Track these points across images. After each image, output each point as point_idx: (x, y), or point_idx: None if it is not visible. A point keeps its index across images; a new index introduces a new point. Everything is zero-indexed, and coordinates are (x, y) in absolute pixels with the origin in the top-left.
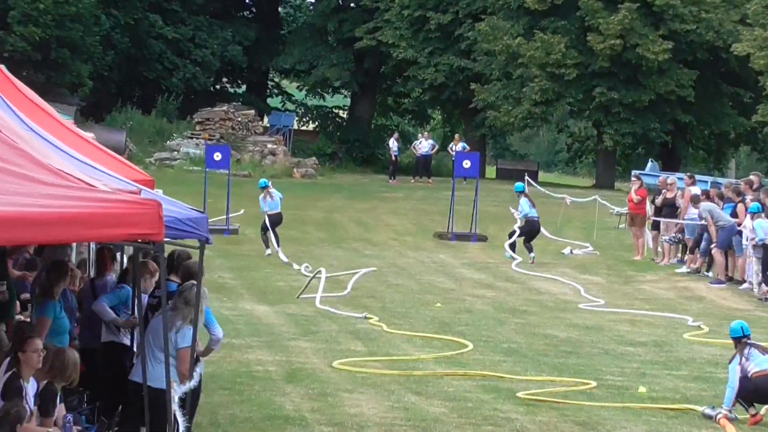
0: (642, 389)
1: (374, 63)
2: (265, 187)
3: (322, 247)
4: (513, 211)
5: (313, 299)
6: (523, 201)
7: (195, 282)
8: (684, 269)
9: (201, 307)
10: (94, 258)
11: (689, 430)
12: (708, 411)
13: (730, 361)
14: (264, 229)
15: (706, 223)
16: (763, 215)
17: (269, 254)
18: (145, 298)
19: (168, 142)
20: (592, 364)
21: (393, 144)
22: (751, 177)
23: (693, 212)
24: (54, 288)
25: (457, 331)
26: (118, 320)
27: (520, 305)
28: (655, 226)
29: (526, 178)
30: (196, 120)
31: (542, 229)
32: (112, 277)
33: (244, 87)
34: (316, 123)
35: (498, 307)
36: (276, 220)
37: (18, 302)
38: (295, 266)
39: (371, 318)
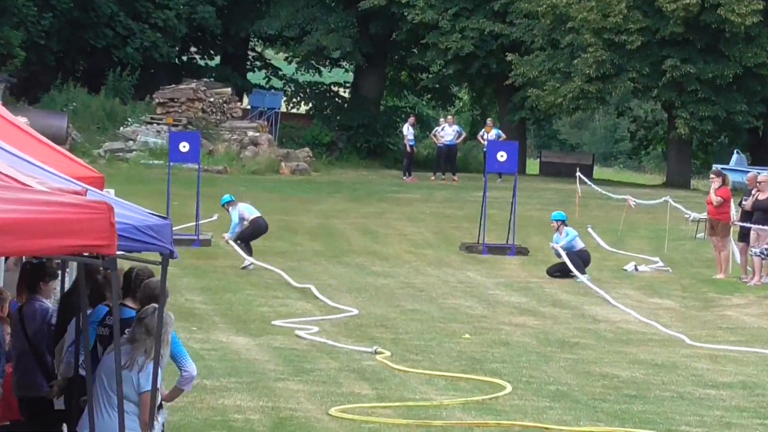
0: None
1: (384, 28)
2: (229, 203)
3: (317, 263)
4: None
5: (306, 329)
6: (573, 231)
7: (157, 306)
8: None
9: (166, 337)
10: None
11: None
12: None
13: None
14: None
15: None
16: None
17: (249, 267)
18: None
19: (121, 128)
20: (662, 412)
21: (408, 131)
22: None
23: None
24: None
25: (491, 370)
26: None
27: (571, 336)
28: (743, 236)
29: (578, 174)
30: (157, 101)
31: (600, 240)
32: (45, 303)
33: (217, 59)
34: (310, 104)
35: (543, 339)
36: (257, 229)
37: None
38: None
39: (382, 353)
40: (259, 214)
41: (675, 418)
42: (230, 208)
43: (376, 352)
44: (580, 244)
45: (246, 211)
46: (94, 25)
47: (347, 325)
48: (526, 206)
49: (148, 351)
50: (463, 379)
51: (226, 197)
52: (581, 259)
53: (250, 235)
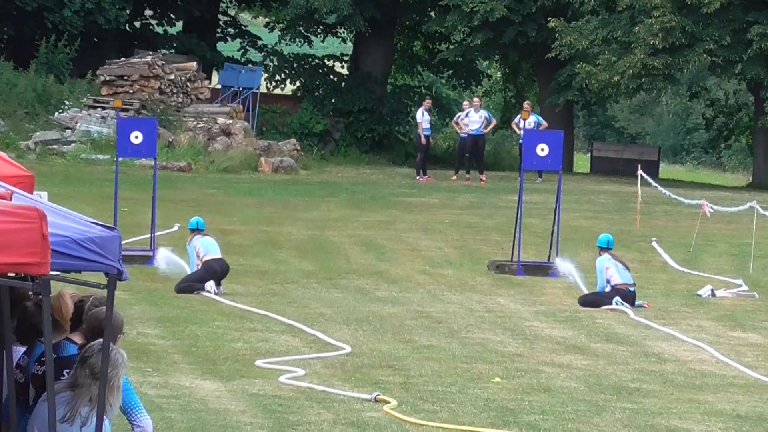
0: None
1: None
2: (196, 231)
3: (307, 286)
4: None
5: (291, 371)
6: (604, 262)
7: (107, 344)
8: None
9: (116, 382)
10: None
11: None
12: None
13: None
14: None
15: None
16: None
17: (212, 292)
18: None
19: (56, 114)
20: None
21: (423, 117)
22: None
23: None
24: None
25: (527, 423)
26: None
27: (630, 380)
28: None
29: (640, 173)
30: (103, 78)
31: (667, 257)
32: None
33: (179, 25)
34: (297, 83)
35: (594, 384)
36: (219, 269)
37: None
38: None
39: (388, 402)
40: (216, 255)
41: None
42: (190, 239)
43: (376, 400)
44: (616, 279)
45: (202, 247)
46: None
47: (344, 366)
48: (574, 214)
49: (94, 399)
50: None
51: (193, 222)
52: (623, 298)
53: (197, 279)
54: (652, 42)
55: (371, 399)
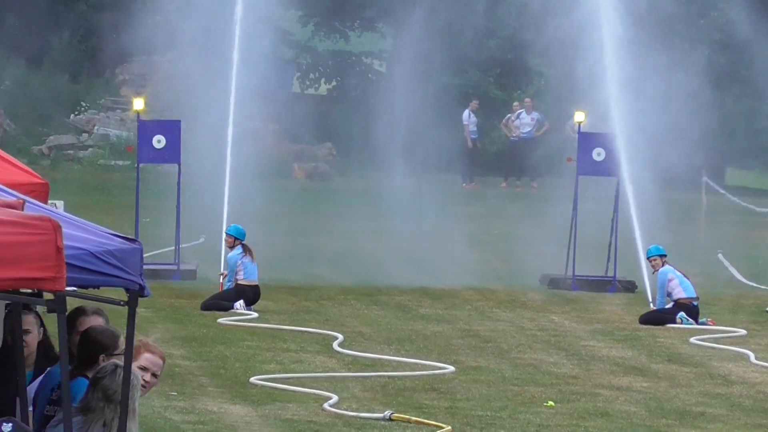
0: None
1: None
2: (237, 239)
3: (344, 303)
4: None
5: (326, 396)
6: (667, 273)
7: (118, 363)
8: None
9: (132, 405)
10: None
11: None
12: None
13: None
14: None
15: None
16: None
17: (242, 307)
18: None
19: (72, 116)
20: None
21: (469, 119)
22: None
23: None
24: None
25: None
26: None
27: (695, 404)
28: None
29: (705, 180)
30: (122, 78)
31: (734, 270)
32: None
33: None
34: (333, 83)
35: (655, 408)
36: (252, 295)
37: None
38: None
39: (407, 420)
40: (254, 282)
41: None
42: (233, 247)
43: (390, 419)
44: (679, 293)
45: (244, 270)
46: None
47: (385, 389)
48: (634, 224)
49: (108, 424)
50: None
51: (234, 228)
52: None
53: (227, 298)
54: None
55: (386, 417)
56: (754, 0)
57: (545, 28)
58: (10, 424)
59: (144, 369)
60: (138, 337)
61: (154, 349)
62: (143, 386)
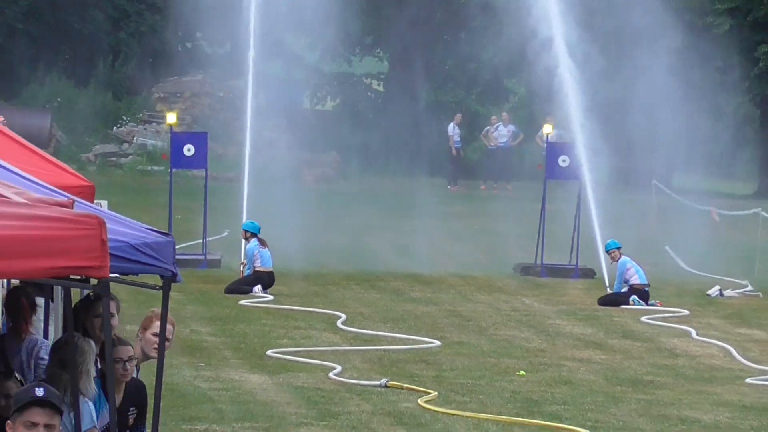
0: None
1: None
2: (254, 234)
3: (347, 287)
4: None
5: (331, 367)
6: (626, 263)
7: (71, 334)
8: None
9: (84, 368)
10: (4, 305)
11: None
12: None
13: None
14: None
15: None
16: None
17: (260, 291)
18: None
19: (114, 128)
20: None
21: (453, 130)
22: None
23: None
24: None
25: (550, 413)
26: None
27: (645, 374)
28: None
29: (654, 182)
30: (157, 95)
31: (679, 260)
32: (37, 338)
33: (228, 45)
34: (338, 100)
35: (611, 377)
36: (268, 280)
37: None
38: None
39: (399, 387)
40: (269, 269)
41: None
42: (249, 240)
43: (386, 386)
44: (635, 279)
45: (260, 258)
46: (81, 6)
47: (381, 361)
48: (593, 220)
49: (67, 389)
50: (517, 424)
51: (250, 225)
52: (639, 297)
53: (247, 283)
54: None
55: (382, 384)
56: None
57: (516, 52)
58: (42, 388)
59: (156, 335)
60: (151, 309)
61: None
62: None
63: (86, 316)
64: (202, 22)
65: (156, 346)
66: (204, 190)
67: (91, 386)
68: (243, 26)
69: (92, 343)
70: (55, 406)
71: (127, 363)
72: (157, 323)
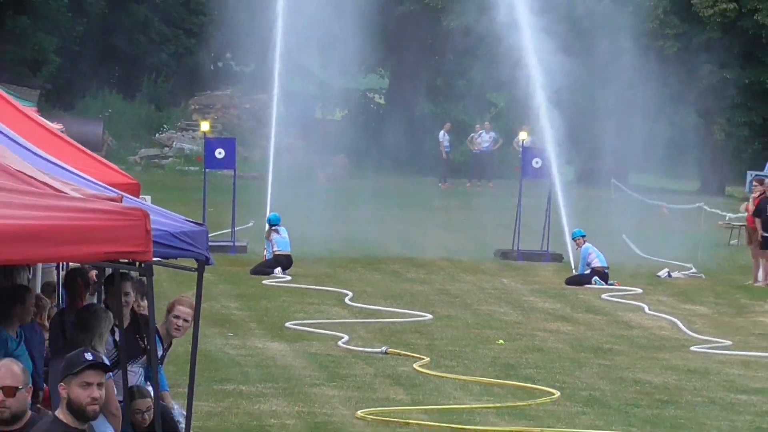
0: None
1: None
2: (272, 226)
3: (353, 270)
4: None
5: (339, 336)
6: (589, 249)
7: (91, 304)
8: None
9: (98, 331)
10: (64, 284)
11: None
12: None
13: None
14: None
15: None
16: None
17: (280, 272)
18: None
19: (157, 135)
20: (694, 417)
21: (443, 137)
22: None
23: None
24: (6, 319)
25: (525, 375)
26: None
27: (605, 343)
28: (766, 244)
29: (613, 181)
30: (193, 107)
31: (634, 247)
32: None
33: (253, 65)
34: (345, 111)
35: (576, 345)
36: (286, 263)
37: None
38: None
39: (397, 354)
40: (287, 252)
41: (706, 423)
42: (267, 233)
43: (386, 352)
44: (596, 263)
45: (277, 244)
46: (128, 31)
47: (383, 332)
48: (561, 213)
49: (89, 346)
50: (497, 385)
51: (272, 217)
52: (600, 278)
53: (268, 266)
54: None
55: (382, 351)
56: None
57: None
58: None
59: (177, 317)
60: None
61: (184, 302)
62: (178, 328)
63: (107, 292)
64: (231, 45)
65: (177, 326)
66: (233, 187)
67: (103, 348)
68: (270, 50)
69: (109, 313)
70: (104, 366)
71: (145, 413)
72: (179, 308)
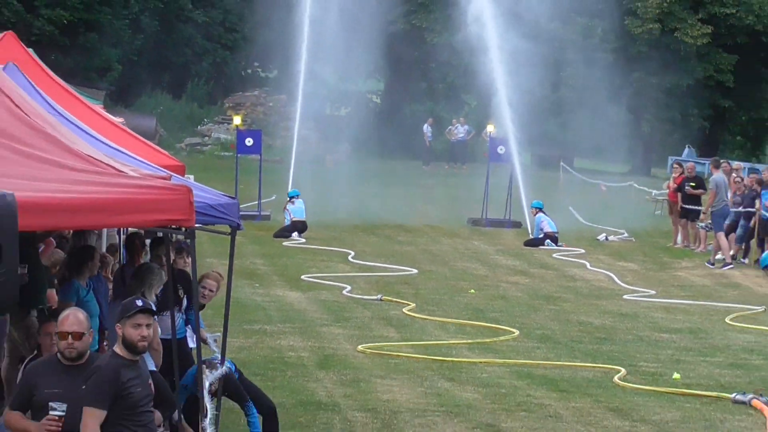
0: (676, 375)
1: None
2: (290, 199)
3: (355, 234)
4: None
5: (343, 287)
6: (542, 218)
7: (150, 264)
8: (719, 256)
9: (150, 281)
10: (124, 245)
11: (723, 416)
12: (739, 397)
13: None
14: (283, 234)
15: (741, 209)
16: None
17: (297, 236)
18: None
19: (199, 127)
20: (626, 351)
21: (427, 129)
22: None
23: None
24: (79, 272)
25: (491, 318)
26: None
27: (555, 292)
28: (684, 214)
29: (562, 164)
30: (228, 105)
31: (579, 216)
32: None
33: (275, 72)
34: (348, 109)
35: (532, 294)
36: (302, 228)
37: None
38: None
39: (391, 301)
40: (302, 218)
41: (636, 356)
42: (285, 206)
43: (381, 300)
44: (548, 228)
45: (292, 212)
46: (176, 45)
47: (378, 284)
48: (520, 189)
49: (145, 296)
50: (469, 325)
51: (291, 192)
52: (551, 241)
53: (287, 230)
54: (570, 83)
55: (378, 299)
56: (591, 59)
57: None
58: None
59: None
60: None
61: (211, 276)
62: (204, 296)
63: (151, 253)
64: (258, 56)
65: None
66: (259, 169)
67: (152, 297)
68: (294, 62)
69: (161, 270)
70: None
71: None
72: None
